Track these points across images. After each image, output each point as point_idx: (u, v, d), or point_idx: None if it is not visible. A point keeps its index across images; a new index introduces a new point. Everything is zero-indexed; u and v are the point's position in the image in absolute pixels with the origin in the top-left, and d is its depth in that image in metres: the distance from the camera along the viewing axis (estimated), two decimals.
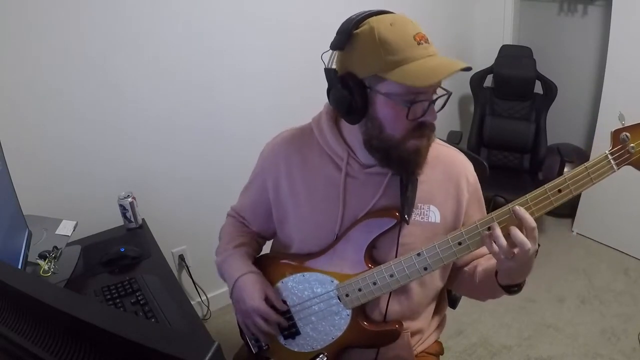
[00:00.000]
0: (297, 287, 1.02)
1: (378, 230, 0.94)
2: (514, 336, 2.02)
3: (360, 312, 0.98)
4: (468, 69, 0.80)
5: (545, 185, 0.82)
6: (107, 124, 1.78)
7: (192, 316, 1.20)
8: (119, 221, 1.67)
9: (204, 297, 2.19)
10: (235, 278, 1.03)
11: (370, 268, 0.94)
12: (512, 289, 0.92)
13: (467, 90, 2.85)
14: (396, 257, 0.92)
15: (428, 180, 0.96)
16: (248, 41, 2.01)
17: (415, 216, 0.95)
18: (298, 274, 1.02)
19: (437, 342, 1.16)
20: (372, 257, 0.97)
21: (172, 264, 2.08)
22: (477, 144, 2.81)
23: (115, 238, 1.60)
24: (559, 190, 0.82)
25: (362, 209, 0.96)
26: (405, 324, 1.01)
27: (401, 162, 0.88)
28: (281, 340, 1.06)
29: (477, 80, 2.79)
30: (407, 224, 0.92)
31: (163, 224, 1.87)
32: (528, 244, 0.78)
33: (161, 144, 1.93)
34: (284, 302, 1.02)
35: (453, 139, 2.57)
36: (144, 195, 1.77)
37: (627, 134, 0.80)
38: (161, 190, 1.97)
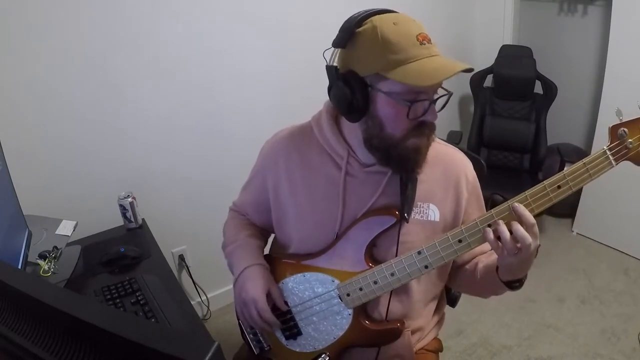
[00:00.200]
0: (297, 287, 1.02)
1: (378, 229, 0.94)
2: (514, 336, 2.02)
3: (362, 311, 0.98)
4: (470, 70, 0.81)
5: (544, 182, 0.82)
6: (107, 124, 1.78)
7: (192, 316, 1.20)
8: (119, 221, 1.67)
9: (204, 297, 2.19)
10: (245, 266, 1.03)
11: (370, 267, 0.94)
12: (514, 284, 0.92)
13: (467, 90, 2.85)
14: (396, 255, 0.93)
15: (427, 178, 0.96)
16: (248, 41, 2.01)
17: (415, 215, 0.96)
18: (298, 274, 1.02)
19: (436, 339, 1.16)
20: (373, 256, 0.97)
21: (172, 264, 2.08)
22: (477, 144, 2.81)
23: (115, 238, 1.60)
24: (558, 187, 0.82)
25: (362, 208, 0.96)
26: (406, 322, 1.01)
27: (401, 161, 0.89)
28: (283, 340, 1.06)
29: (477, 80, 2.79)
30: (407, 223, 0.93)
31: (163, 224, 1.87)
32: (529, 238, 0.79)
33: (161, 144, 1.93)
34: (285, 302, 1.02)
35: (453, 139, 2.57)
36: (144, 195, 1.77)
37: (625, 129, 0.81)
38: (161, 190, 1.97)
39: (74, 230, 1.47)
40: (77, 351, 0.52)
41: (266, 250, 1.16)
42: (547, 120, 2.64)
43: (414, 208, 0.95)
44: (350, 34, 0.84)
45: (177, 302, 1.23)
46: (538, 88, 2.68)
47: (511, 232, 0.80)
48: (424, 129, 0.87)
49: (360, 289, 0.94)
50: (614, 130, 0.82)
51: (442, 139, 1.06)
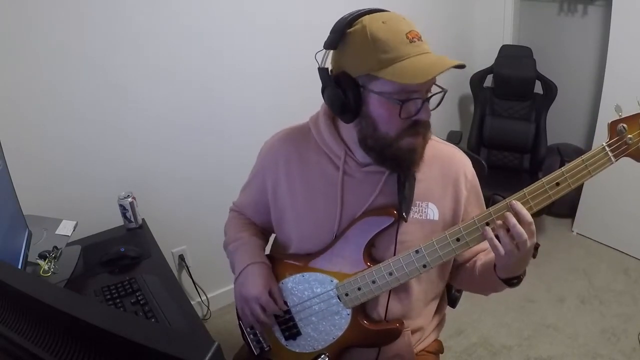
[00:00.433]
0: (297, 287, 1.02)
1: (376, 229, 0.94)
2: (514, 336, 2.02)
3: (361, 311, 0.98)
4: (461, 66, 0.80)
5: (542, 179, 0.82)
6: (107, 124, 1.78)
7: (192, 316, 1.20)
8: (119, 221, 1.67)
9: (204, 297, 2.19)
10: (247, 264, 1.03)
11: (369, 267, 0.94)
12: (512, 281, 0.92)
13: (467, 90, 2.85)
14: (395, 255, 0.92)
15: (426, 177, 0.96)
16: (248, 41, 2.01)
17: (414, 214, 0.96)
18: (297, 275, 1.02)
19: (437, 341, 1.16)
20: (371, 255, 0.97)
21: (172, 264, 2.08)
22: (477, 144, 2.81)
23: (115, 238, 1.60)
24: (557, 184, 0.81)
25: (361, 208, 0.96)
26: (406, 322, 1.01)
27: (396, 160, 0.89)
28: (282, 341, 1.06)
29: (477, 80, 2.79)
30: (405, 222, 0.92)
31: (163, 224, 1.87)
32: (524, 235, 0.78)
33: (161, 144, 1.93)
34: (285, 302, 1.02)
35: (453, 139, 2.57)
36: (144, 195, 1.77)
37: (625, 125, 0.80)
38: (161, 190, 1.97)
39: (74, 230, 1.47)
40: (77, 351, 0.52)
41: (267, 250, 1.16)
42: (547, 120, 2.64)
43: (412, 207, 0.95)
44: (340, 35, 0.84)
45: (177, 302, 1.23)
46: (538, 88, 2.68)
47: (509, 230, 0.80)
48: (418, 127, 0.87)
49: (359, 289, 0.94)
50: (613, 126, 0.81)
51: (441, 139, 1.06)
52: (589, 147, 2.71)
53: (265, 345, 1.08)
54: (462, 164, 1.01)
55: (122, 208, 1.63)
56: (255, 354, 1.09)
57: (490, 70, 2.77)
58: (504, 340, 2.00)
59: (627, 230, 2.45)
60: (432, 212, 0.97)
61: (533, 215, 0.81)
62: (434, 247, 0.87)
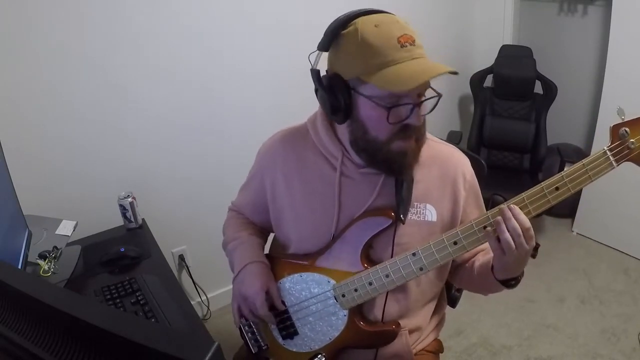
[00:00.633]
0: (294, 287, 1.02)
1: (373, 230, 0.93)
2: (514, 336, 2.02)
3: (357, 312, 0.98)
4: (453, 73, 0.79)
5: (542, 183, 0.80)
6: (107, 124, 1.78)
7: (192, 316, 1.20)
8: (119, 221, 1.67)
9: (204, 297, 2.19)
10: (246, 263, 1.03)
11: (366, 268, 0.94)
12: (510, 282, 0.92)
13: (467, 90, 2.85)
14: (392, 257, 0.92)
15: (424, 178, 0.96)
16: (248, 41, 2.01)
17: (412, 215, 0.95)
18: (295, 275, 1.02)
19: (437, 340, 1.16)
20: (369, 257, 0.97)
21: (172, 264, 2.08)
22: (477, 144, 2.81)
23: (115, 238, 1.60)
24: (557, 188, 0.80)
25: (359, 209, 0.96)
26: (403, 322, 1.01)
27: (387, 163, 0.89)
28: (280, 340, 1.06)
29: (477, 80, 2.79)
30: (403, 224, 0.92)
31: (163, 224, 1.87)
32: (518, 228, 0.78)
33: (161, 144, 1.93)
34: (282, 302, 1.02)
35: (453, 139, 2.57)
36: (144, 195, 1.77)
37: (627, 129, 0.78)
38: (161, 190, 1.97)
39: (74, 230, 1.47)
40: (77, 351, 0.52)
41: (266, 250, 1.16)
42: (547, 120, 2.64)
43: (410, 209, 0.94)
44: (333, 36, 0.84)
45: (177, 302, 1.23)
46: (538, 88, 2.68)
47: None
48: (409, 132, 0.86)
49: (355, 290, 0.94)
50: (615, 130, 0.79)
51: (441, 139, 1.06)
52: (589, 147, 2.71)
53: (263, 344, 1.08)
54: (461, 164, 1.01)
55: (122, 208, 1.63)
56: (253, 352, 1.09)
57: (490, 70, 2.77)
58: (504, 340, 2.00)
59: (627, 231, 2.45)
60: (430, 213, 0.97)
61: (533, 217, 0.81)
62: (431, 250, 0.87)
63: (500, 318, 2.12)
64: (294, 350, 1.05)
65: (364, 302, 0.96)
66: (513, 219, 0.79)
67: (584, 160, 0.79)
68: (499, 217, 0.80)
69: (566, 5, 2.69)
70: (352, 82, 0.84)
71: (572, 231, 2.72)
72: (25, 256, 1.23)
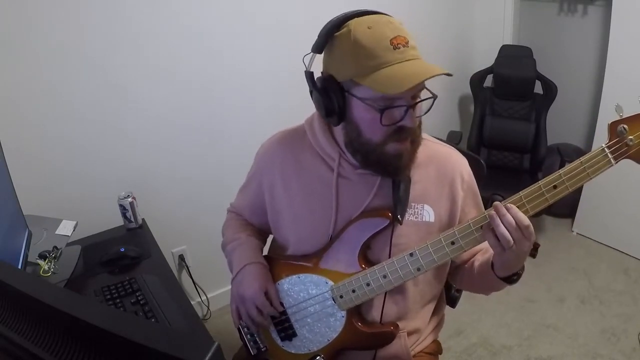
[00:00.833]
0: (292, 288, 1.02)
1: (371, 231, 0.93)
2: (514, 336, 2.02)
3: (355, 313, 0.98)
4: (447, 74, 0.79)
5: (540, 182, 0.80)
6: (107, 124, 1.78)
7: (192, 316, 1.20)
8: (119, 221, 1.67)
9: (204, 297, 2.19)
10: (245, 264, 1.03)
11: (364, 269, 0.94)
12: (512, 278, 0.91)
13: (467, 90, 2.85)
14: (390, 257, 0.92)
15: (421, 179, 0.96)
16: (248, 41, 2.01)
17: (410, 216, 0.95)
18: (294, 276, 1.02)
19: (436, 342, 1.16)
20: (367, 257, 0.97)
21: (172, 264, 2.08)
22: (477, 144, 2.81)
23: (115, 238, 1.60)
24: (554, 187, 0.79)
25: (356, 210, 0.96)
26: (402, 324, 1.01)
27: (381, 165, 0.89)
28: (278, 341, 1.06)
29: (477, 80, 2.79)
30: (400, 225, 0.92)
31: (163, 224, 1.87)
32: (513, 223, 0.78)
33: (161, 144, 1.93)
34: (281, 303, 1.02)
35: (453, 139, 2.57)
36: (144, 195, 1.77)
37: (625, 126, 0.78)
38: (161, 190, 1.97)
39: (74, 230, 1.47)
40: (77, 351, 0.52)
41: (265, 251, 1.16)
42: (547, 120, 2.64)
43: (408, 209, 0.94)
44: (327, 38, 0.84)
45: (177, 302, 1.23)
46: (538, 88, 2.67)
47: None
48: (403, 134, 0.86)
49: (353, 291, 0.94)
50: (613, 127, 0.78)
51: (439, 139, 1.06)
52: (589, 147, 2.71)
53: (262, 346, 1.08)
54: (459, 164, 1.00)
55: (122, 208, 1.63)
56: (252, 354, 1.09)
57: (490, 70, 2.77)
58: (504, 340, 2.00)
59: (627, 230, 2.45)
60: (428, 213, 0.96)
61: (532, 215, 0.81)
62: (428, 251, 0.87)
63: (500, 318, 2.12)
64: (293, 351, 1.05)
65: (362, 303, 0.96)
66: (508, 215, 0.78)
67: (582, 158, 0.79)
68: (493, 212, 0.80)
69: (566, 5, 2.69)
70: (345, 84, 0.84)
71: (572, 231, 2.72)
72: (25, 256, 1.23)
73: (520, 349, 1.95)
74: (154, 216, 1.79)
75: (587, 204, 2.61)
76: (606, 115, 2.37)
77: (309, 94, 0.92)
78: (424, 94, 0.86)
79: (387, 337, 0.97)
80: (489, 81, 2.84)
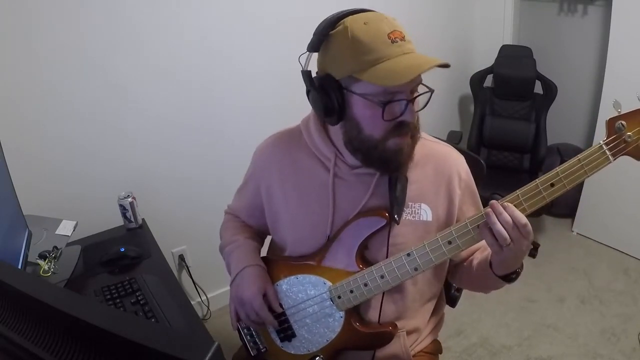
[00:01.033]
0: (291, 289, 1.02)
1: (368, 231, 0.93)
2: (514, 336, 2.02)
3: (354, 313, 0.98)
4: (445, 65, 0.79)
5: (537, 180, 0.79)
6: (107, 124, 1.78)
7: (192, 316, 1.20)
8: (119, 221, 1.67)
9: (204, 297, 2.19)
10: (244, 266, 1.03)
11: (361, 269, 0.94)
12: (510, 276, 0.91)
13: (467, 90, 2.85)
14: (387, 257, 0.92)
15: (419, 178, 0.96)
16: (248, 41, 2.01)
17: (407, 215, 0.95)
18: (292, 277, 1.02)
19: (435, 341, 1.16)
20: (364, 257, 0.97)
21: (172, 264, 2.08)
22: (477, 144, 2.81)
23: (115, 238, 1.60)
24: (552, 185, 0.79)
25: (353, 210, 0.96)
26: (401, 323, 1.01)
27: (383, 161, 0.88)
28: (278, 342, 1.06)
29: (477, 80, 2.79)
30: (397, 224, 0.92)
31: (163, 224, 1.87)
32: (510, 221, 0.78)
33: (161, 144, 1.93)
34: (280, 304, 1.02)
35: (453, 139, 2.57)
36: (144, 195, 1.77)
37: (623, 122, 0.77)
38: (161, 190, 1.97)
39: (74, 230, 1.48)
40: (77, 351, 0.52)
41: (263, 252, 1.16)
42: (547, 120, 2.64)
43: (405, 209, 0.94)
44: (322, 37, 0.84)
45: (177, 302, 1.23)
46: (538, 88, 2.67)
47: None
48: (404, 128, 0.86)
49: (351, 292, 0.94)
50: (610, 123, 0.78)
51: (438, 138, 1.06)
52: (589, 147, 2.67)
53: (261, 347, 1.08)
54: (456, 163, 1.00)
55: (122, 208, 1.63)
56: (252, 355, 1.09)
57: (490, 70, 2.77)
58: (504, 340, 2.00)
59: (627, 230, 2.45)
60: (426, 213, 0.96)
61: (531, 215, 0.80)
62: (426, 250, 0.87)
63: (500, 318, 2.12)
64: (292, 352, 1.05)
65: (361, 303, 0.96)
66: (505, 213, 0.78)
67: (580, 155, 0.78)
68: (490, 210, 0.80)
69: (566, 5, 2.69)
70: (344, 81, 0.84)
71: (572, 231, 2.72)
72: (25, 256, 1.23)
73: (520, 349, 1.95)
74: (154, 216, 1.79)
75: (587, 203, 2.61)
76: (606, 115, 2.31)
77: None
78: (421, 89, 0.86)
79: (386, 337, 0.97)
80: (489, 81, 2.84)
